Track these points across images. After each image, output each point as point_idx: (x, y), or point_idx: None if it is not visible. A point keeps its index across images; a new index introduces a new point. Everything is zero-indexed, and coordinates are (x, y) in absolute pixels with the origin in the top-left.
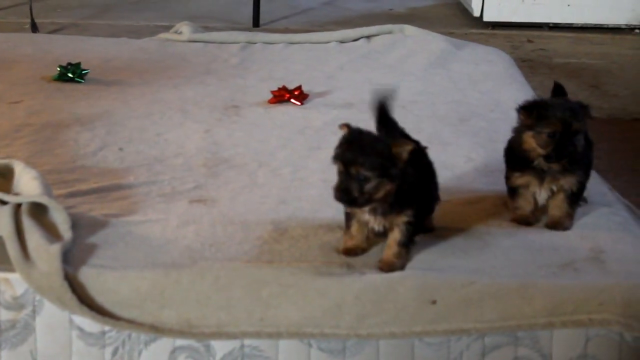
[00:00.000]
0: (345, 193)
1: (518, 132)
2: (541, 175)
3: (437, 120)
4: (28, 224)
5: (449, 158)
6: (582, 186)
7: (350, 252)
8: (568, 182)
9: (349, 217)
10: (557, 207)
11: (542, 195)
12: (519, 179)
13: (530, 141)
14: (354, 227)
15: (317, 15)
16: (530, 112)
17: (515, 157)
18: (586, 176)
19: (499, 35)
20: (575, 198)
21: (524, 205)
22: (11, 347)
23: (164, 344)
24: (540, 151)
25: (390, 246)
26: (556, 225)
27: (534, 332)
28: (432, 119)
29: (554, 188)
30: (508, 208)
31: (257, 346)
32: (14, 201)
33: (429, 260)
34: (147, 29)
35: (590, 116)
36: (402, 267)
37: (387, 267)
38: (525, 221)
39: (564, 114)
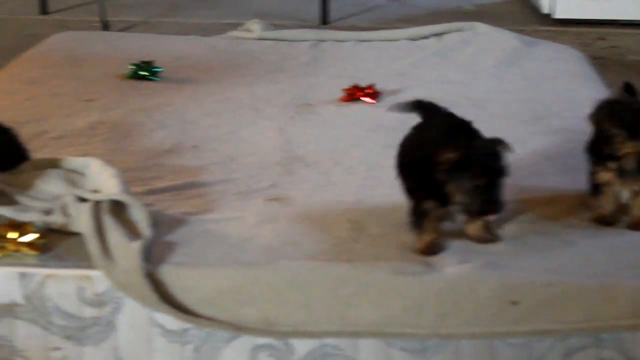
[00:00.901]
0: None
1: (603, 129)
2: (624, 174)
3: (511, 119)
4: (108, 221)
5: (524, 157)
6: None
7: (429, 250)
8: None
9: (422, 216)
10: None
11: (624, 194)
12: (603, 176)
13: (629, 146)
14: (431, 225)
15: (384, 13)
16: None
17: (600, 154)
18: None
19: (569, 33)
20: None
21: (606, 204)
22: (94, 343)
23: (245, 342)
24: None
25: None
26: (638, 226)
27: (618, 333)
28: (506, 117)
29: (637, 188)
30: (587, 207)
31: (338, 345)
32: (94, 199)
33: (509, 260)
34: (216, 27)
35: None
36: None
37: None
38: (605, 221)
39: None
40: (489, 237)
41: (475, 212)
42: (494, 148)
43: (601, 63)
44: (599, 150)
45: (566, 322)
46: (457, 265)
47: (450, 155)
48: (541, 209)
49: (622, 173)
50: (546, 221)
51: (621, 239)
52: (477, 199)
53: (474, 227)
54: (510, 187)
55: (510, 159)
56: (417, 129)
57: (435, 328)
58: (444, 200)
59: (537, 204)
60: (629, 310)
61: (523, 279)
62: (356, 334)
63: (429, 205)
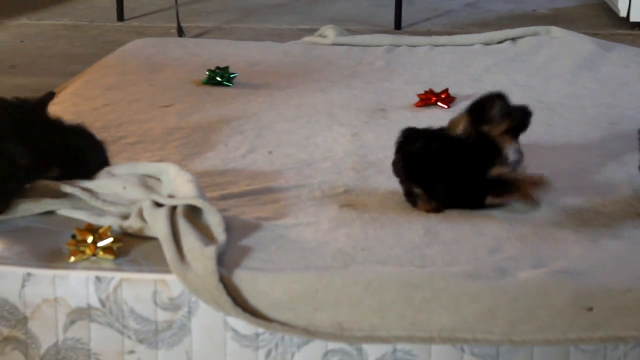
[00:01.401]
0: None
1: None
2: None
3: (586, 124)
4: (183, 226)
5: (600, 162)
6: None
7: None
8: None
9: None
10: None
11: None
12: None
13: None
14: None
15: (458, 17)
16: None
17: None
18: None
19: None
20: None
21: None
22: (168, 347)
23: (317, 347)
24: None
25: None
26: None
27: None
28: (582, 122)
29: None
30: None
31: (410, 350)
32: (170, 203)
33: (584, 266)
34: (290, 32)
35: None
36: None
37: None
38: None
39: None
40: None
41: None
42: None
43: None
44: None
45: None
46: (530, 270)
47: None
48: (617, 214)
49: None
50: (622, 227)
51: None
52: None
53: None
54: (586, 191)
55: (584, 164)
56: None
57: (508, 334)
58: None
59: (612, 209)
60: None
61: (598, 285)
62: (428, 340)
63: None
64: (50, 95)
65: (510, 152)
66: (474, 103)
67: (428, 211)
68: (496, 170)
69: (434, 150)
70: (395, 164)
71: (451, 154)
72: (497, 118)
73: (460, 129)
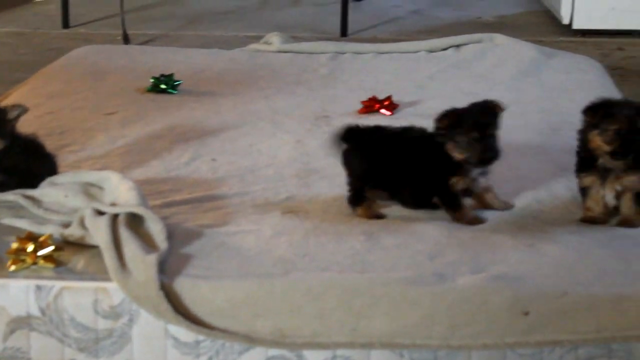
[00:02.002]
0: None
1: (584, 133)
2: (604, 175)
3: (528, 130)
4: (125, 234)
5: (540, 167)
6: None
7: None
8: (631, 181)
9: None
10: (627, 206)
11: (607, 195)
12: (585, 180)
13: (596, 139)
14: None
15: (404, 24)
16: (595, 112)
17: (582, 158)
18: None
19: (588, 43)
20: None
21: (593, 206)
22: (108, 355)
23: (258, 354)
24: (606, 148)
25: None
26: (625, 223)
27: (629, 344)
28: (524, 128)
29: (619, 188)
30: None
31: (350, 356)
32: (112, 212)
33: (522, 271)
34: (237, 40)
35: None
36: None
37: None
38: (594, 221)
39: (629, 111)
40: (504, 205)
41: (475, 163)
42: (484, 106)
43: (620, 73)
44: (580, 155)
45: (577, 333)
46: (469, 275)
47: (445, 118)
48: (555, 220)
49: (602, 174)
50: (560, 232)
51: (634, 249)
52: (474, 151)
53: (490, 197)
54: (525, 197)
55: (524, 170)
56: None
57: (447, 339)
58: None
59: (550, 214)
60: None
61: (535, 290)
62: (368, 345)
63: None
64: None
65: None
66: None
67: (369, 217)
68: (457, 181)
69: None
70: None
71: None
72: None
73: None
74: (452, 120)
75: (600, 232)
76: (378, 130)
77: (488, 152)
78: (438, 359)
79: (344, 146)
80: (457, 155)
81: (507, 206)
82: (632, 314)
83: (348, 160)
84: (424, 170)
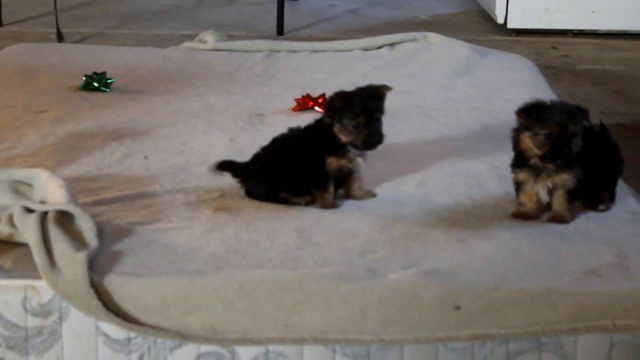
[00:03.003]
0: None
1: (517, 132)
2: (537, 173)
3: (461, 128)
4: (54, 231)
5: (473, 165)
6: (579, 183)
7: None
8: (562, 179)
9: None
10: (558, 203)
11: (540, 192)
12: (518, 175)
13: (527, 141)
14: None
15: (340, 23)
16: (529, 114)
17: (517, 155)
18: (585, 174)
19: (522, 42)
20: (574, 194)
21: (526, 201)
22: (38, 353)
23: (190, 350)
24: (537, 151)
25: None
26: (556, 219)
27: (558, 337)
28: (457, 126)
29: (550, 185)
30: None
31: (282, 352)
32: (41, 209)
33: (453, 266)
34: (172, 38)
35: (588, 120)
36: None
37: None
38: (525, 217)
39: (561, 117)
40: (368, 194)
41: (360, 147)
42: (371, 91)
43: (553, 72)
44: (514, 152)
45: (507, 327)
46: (400, 271)
47: (335, 101)
48: (487, 216)
49: (534, 171)
50: (491, 228)
51: (564, 244)
52: (359, 135)
53: (355, 189)
54: (457, 193)
55: (457, 167)
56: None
57: (379, 334)
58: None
59: (482, 210)
60: (568, 315)
61: (466, 285)
62: (300, 341)
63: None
64: None
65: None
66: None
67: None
68: (331, 161)
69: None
70: None
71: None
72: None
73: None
74: (341, 103)
75: (531, 228)
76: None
77: (373, 137)
78: (371, 354)
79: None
80: (343, 137)
81: (369, 195)
82: (561, 308)
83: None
84: (304, 153)
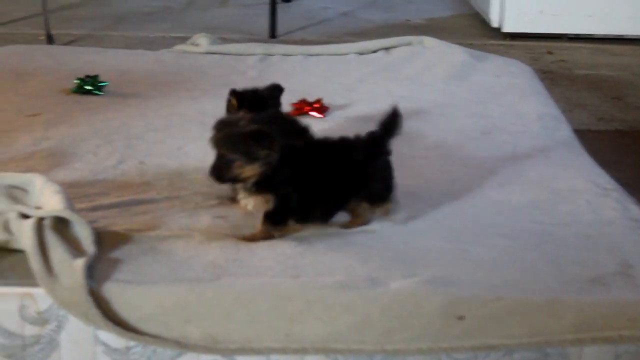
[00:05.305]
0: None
1: None
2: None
3: (458, 133)
4: (51, 238)
5: (471, 172)
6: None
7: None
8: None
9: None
10: None
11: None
12: None
13: None
14: None
15: (334, 26)
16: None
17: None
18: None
19: (518, 47)
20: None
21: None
22: None
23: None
24: None
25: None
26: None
27: (564, 348)
28: (453, 131)
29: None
30: None
31: None
32: (37, 215)
33: (455, 276)
34: (162, 40)
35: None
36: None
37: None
38: None
39: None
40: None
41: None
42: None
43: (549, 77)
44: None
45: (512, 337)
46: (402, 279)
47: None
48: (485, 223)
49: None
50: (491, 236)
51: (566, 253)
52: None
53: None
54: (457, 200)
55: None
56: None
57: (381, 344)
58: None
59: (481, 218)
60: (573, 325)
61: (469, 294)
62: (302, 351)
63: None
64: None
65: None
66: None
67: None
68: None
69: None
70: None
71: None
72: None
73: None
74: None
75: (532, 236)
76: None
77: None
78: None
79: None
80: None
81: None
82: (566, 319)
83: None
84: None
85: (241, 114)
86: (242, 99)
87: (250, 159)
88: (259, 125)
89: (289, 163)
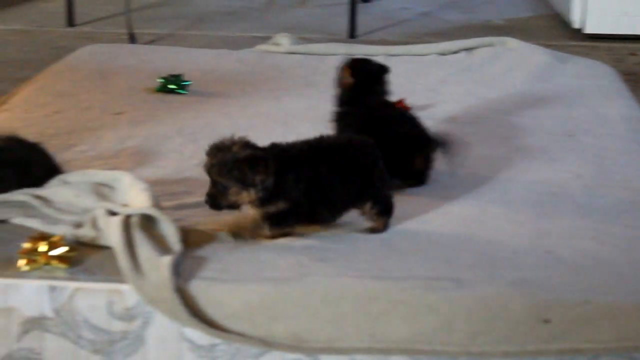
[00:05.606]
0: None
1: None
2: None
3: (543, 135)
4: (138, 235)
5: (556, 174)
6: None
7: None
8: None
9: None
10: None
11: None
12: None
13: None
14: None
15: (413, 27)
16: None
17: None
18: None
19: (600, 48)
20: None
21: None
22: (123, 357)
23: (274, 358)
24: None
25: None
26: None
27: None
28: (536, 133)
29: None
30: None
31: None
32: (124, 212)
33: (541, 278)
34: (243, 40)
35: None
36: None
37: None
38: None
39: None
40: None
41: None
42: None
43: (633, 79)
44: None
45: (599, 342)
46: (486, 281)
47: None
48: (573, 226)
49: None
50: (578, 239)
51: None
52: None
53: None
54: (541, 203)
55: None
56: None
57: (466, 346)
58: None
59: (569, 222)
60: None
61: (556, 297)
62: (386, 351)
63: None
64: None
65: None
66: None
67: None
68: None
69: None
70: None
71: None
72: None
73: None
74: None
75: (617, 239)
76: None
77: None
78: None
79: None
80: None
81: None
82: None
83: None
84: None
85: (236, 138)
86: (354, 70)
87: (246, 185)
88: (252, 150)
89: (290, 171)
